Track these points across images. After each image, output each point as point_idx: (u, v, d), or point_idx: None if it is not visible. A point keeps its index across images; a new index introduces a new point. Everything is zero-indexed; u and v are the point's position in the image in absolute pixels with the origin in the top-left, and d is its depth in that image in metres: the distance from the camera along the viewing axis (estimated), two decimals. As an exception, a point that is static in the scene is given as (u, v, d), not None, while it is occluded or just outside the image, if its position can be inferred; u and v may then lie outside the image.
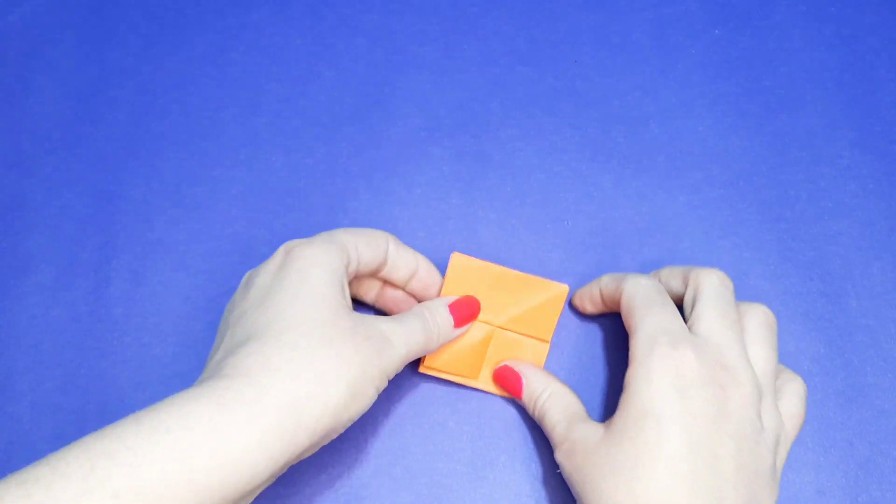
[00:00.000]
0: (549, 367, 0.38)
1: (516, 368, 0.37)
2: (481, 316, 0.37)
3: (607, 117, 0.43)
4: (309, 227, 0.41)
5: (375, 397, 0.30)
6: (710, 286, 0.33)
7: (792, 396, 0.32)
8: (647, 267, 0.40)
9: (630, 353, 0.32)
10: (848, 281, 0.39)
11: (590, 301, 0.38)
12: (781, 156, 0.42)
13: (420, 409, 0.38)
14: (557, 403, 0.34)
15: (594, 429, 0.32)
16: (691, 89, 0.44)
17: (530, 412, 0.36)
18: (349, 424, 0.30)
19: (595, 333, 0.39)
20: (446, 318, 0.35)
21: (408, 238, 0.41)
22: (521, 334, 0.37)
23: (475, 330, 0.37)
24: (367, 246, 0.34)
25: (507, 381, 0.37)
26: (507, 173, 0.42)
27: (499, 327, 0.37)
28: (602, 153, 0.43)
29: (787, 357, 0.38)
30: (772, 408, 0.31)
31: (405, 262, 0.36)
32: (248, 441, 0.26)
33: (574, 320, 0.39)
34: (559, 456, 0.33)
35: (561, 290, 0.38)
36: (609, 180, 0.42)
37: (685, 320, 0.33)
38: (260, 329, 0.29)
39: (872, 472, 0.36)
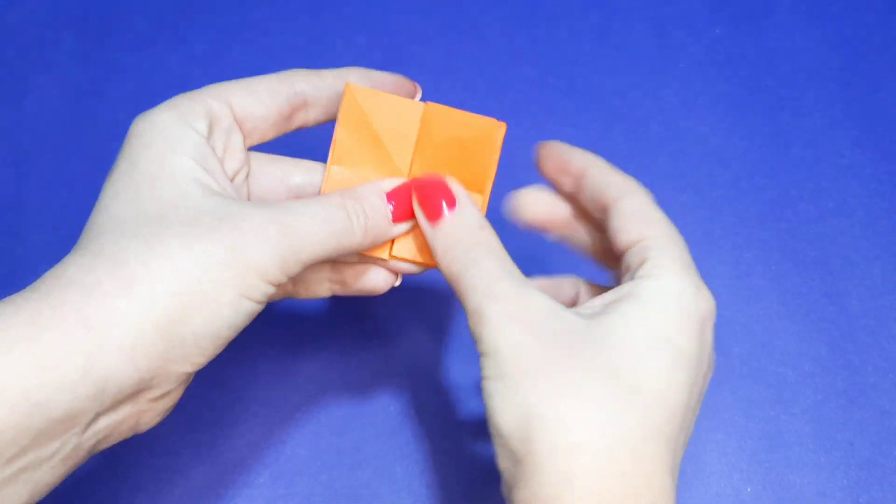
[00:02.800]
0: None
1: (451, 185, 0.27)
2: (397, 163, 0.29)
3: (608, 116, 0.43)
4: (309, 227, 0.41)
5: (252, 306, 0.24)
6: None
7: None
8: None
9: (650, 264, 0.26)
10: (849, 281, 0.39)
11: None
12: (782, 155, 0.42)
13: (420, 409, 0.37)
14: (498, 249, 0.26)
15: (556, 306, 0.25)
16: (692, 89, 0.44)
17: (449, 259, 0.26)
18: (214, 341, 0.24)
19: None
20: (380, 209, 0.27)
21: (408, 238, 0.41)
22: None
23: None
24: (247, 93, 0.27)
25: (430, 201, 0.27)
26: (506, 173, 0.42)
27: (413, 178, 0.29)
28: (602, 153, 0.42)
29: (789, 358, 0.38)
30: None
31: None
32: (29, 364, 0.21)
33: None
34: (494, 309, 0.24)
35: (495, 126, 0.29)
36: (609, 180, 0.42)
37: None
38: (85, 233, 0.25)
39: (874, 473, 0.36)
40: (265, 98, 0.28)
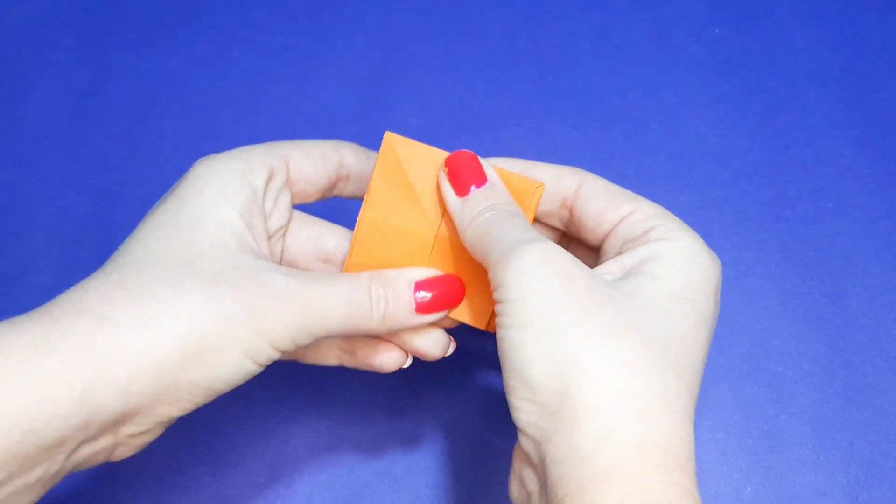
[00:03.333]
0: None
1: (482, 163, 0.27)
2: (429, 213, 0.28)
3: (608, 116, 0.43)
4: (309, 227, 0.41)
5: (253, 367, 0.24)
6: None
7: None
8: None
9: (661, 229, 0.26)
10: (848, 281, 0.39)
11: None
12: (782, 155, 0.42)
13: (421, 408, 0.37)
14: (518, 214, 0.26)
15: (584, 265, 0.24)
16: (691, 89, 0.44)
17: (475, 225, 0.26)
18: (207, 392, 0.24)
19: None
20: (403, 297, 0.27)
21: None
22: None
23: (418, 230, 0.29)
24: (304, 156, 0.27)
25: (461, 176, 0.27)
26: (507, 173, 0.42)
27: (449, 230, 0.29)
28: (602, 153, 0.43)
29: (788, 358, 0.38)
30: None
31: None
32: (26, 391, 0.21)
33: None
34: (522, 254, 0.23)
35: (533, 187, 0.28)
36: (610, 179, 0.42)
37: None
38: (113, 259, 0.25)
39: (873, 473, 0.36)
40: (319, 164, 0.28)
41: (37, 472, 0.22)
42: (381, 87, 0.44)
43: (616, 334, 0.22)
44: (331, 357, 0.30)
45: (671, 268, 0.25)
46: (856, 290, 0.39)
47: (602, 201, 0.27)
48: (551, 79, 0.44)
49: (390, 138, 0.28)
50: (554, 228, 0.31)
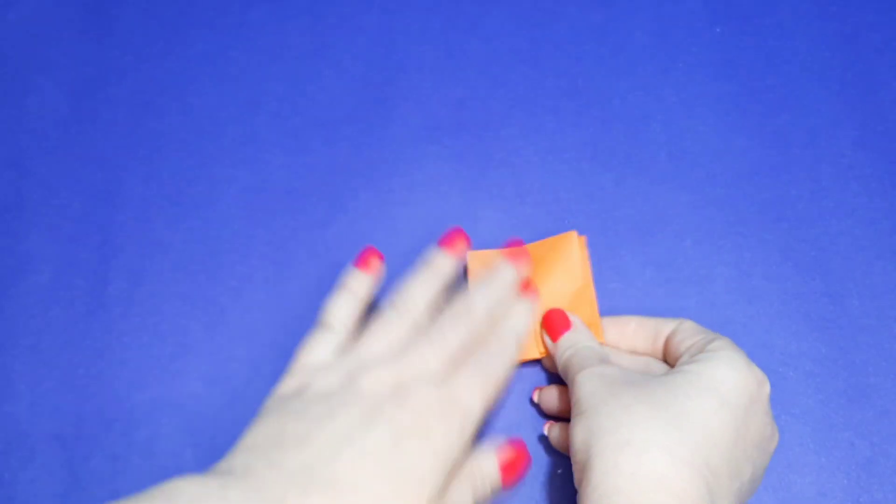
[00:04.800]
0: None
1: (568, 315, 0.37)
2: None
3: (609, 116, 0.43)
4: (308, 227, 0.41)
5: None
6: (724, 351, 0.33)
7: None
8: (648, 267, 0.40)
9: (714, 344, 0.32)
10: (850, 281, 0.39)
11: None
12: (783, 155, 0.42)
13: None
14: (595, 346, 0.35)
15: (629, 371, 0.32)
16: (693, 88, 0.44)
17: (563, 356, 0.35)
18: None
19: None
20: (493, 473, 0.32)
21: (408, 238, 0.41)
22: (562, 295, 0.38)
23: None
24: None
25: (553, 326, 0.36)
26: (507, 172, 0.42)
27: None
28: (603, 152, 0.42)
29: (789, 358, 0.38)
30: None
31: None
32: None
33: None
34: (582, 374, 0.32)
35: (568, 238, 0.38)
36: (610, 180, 0.42)
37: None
38: (325, 476, 0.27)
39: (874, 473, 0.35)
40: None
41: None
42: (381, 87, 0.44)
43: (633, 404, 0.29)
44: None
45: (700, 364, 0.31)
46: (857, 290, 0.39)
47: (680, 335, 0.34)
48: (551, 79, 0.44)
49: (472, 255, 0.38)
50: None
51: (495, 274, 0.35)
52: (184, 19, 0.47)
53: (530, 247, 0.39)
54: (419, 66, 0.45)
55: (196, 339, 0.39)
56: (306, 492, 0.26)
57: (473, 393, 0.31)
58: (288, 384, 0.32)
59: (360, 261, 0.36)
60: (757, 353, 0.38)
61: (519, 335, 0.34)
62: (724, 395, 0.29)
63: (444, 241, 0.36)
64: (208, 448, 0.36)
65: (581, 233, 0.40)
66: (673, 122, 0.43)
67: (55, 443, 0.37)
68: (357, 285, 0.35)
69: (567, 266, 0.37)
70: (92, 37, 0.46)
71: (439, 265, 0.35)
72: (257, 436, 0.29)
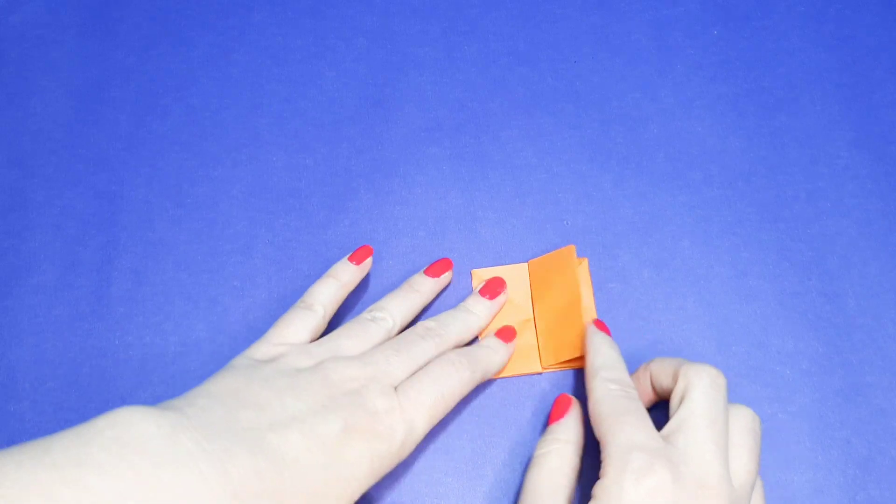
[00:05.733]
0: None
1: (570, 400, 0.37)
2: (522, 304, 0.39)
3: (607, 117, 0.43)
4: (309, 227, 0.41)
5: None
6: (700, 389, 0.31)
7: (758, 500, 0.32)
8: (646, 267, 0.40)
9: (602, 465, 0.30)
10: (846, 280, 0.39)
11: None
12: (780, 156, 0.42)
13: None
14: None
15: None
16: (690, 90, 0.44)
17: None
18: None
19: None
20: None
21: (408, 238, 0.41)
22: (562, 308, 0.38)
23: (519, 317, 0.39)
24: None
25: (559, 409, 0.36)
26: (507, 173, 0.42)
27: (537, 317, 0.39)
28: (601, 153, 0.43)
29: (785, 357, 0.38)
30: None
31: None
32: None
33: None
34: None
35: (566, 252, 0.38)
36: (608, 180, 0.42)
37: (670, 415, 0.31)
38: (272, 444, 0.28)
39: (871, 471, 0.36)
40: None
41: None
42: (382, 87, 0.45)
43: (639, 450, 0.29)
44: None
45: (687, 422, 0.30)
46: (854, 290, 0.39)
47: (595, 419, 0.32)
48: (550, 79, 0.44)
49: (477, 273, 0.40)
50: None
51: (471, 307, 0.38)
52: (186, 21, 0.47)
53: (531, 263, 0.40)
54: (419, 68, 0.45)
55: (199, 338, 0.39)
56: (253, 452, 0.27)
57: (422, 414, 0.32)
58: (261, 349, 0.34)
59: (353, 255, 0.38)
60: (753, 353, 0.38)
61: (483, 365, 0.36)
62: (711, 422, 0.30)
63: (430, 269, 0.39)
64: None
65: (580, 232, 0.40)
66: (670, 124, 0.43)
67: (59, 441, 0.37)
68: (343, 273, 0.37)
69: (564, 280, 0.38)
70: (95, 38, 0.47)
71: (420, 285, 0.38)
72: (221, 386, 0.30)
